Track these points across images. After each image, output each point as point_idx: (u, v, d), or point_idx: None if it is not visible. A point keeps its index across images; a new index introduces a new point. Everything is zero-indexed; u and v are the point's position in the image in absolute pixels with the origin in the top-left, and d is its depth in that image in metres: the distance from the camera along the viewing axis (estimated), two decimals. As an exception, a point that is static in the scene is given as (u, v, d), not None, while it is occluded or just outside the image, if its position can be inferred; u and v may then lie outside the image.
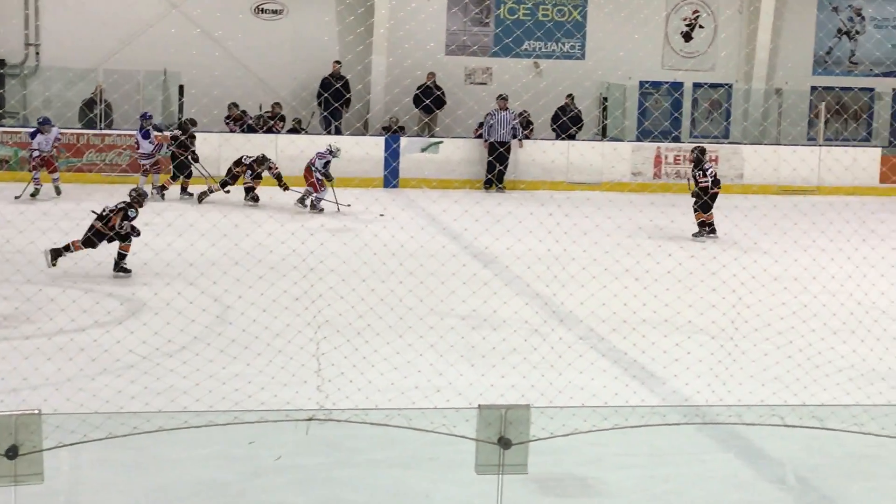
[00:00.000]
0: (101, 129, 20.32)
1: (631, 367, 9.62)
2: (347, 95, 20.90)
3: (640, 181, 21.58)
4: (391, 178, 20.36)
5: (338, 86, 20.67)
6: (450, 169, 21.03)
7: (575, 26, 23.69)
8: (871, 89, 24.43)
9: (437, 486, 5.94)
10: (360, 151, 18.95)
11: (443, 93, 21.98)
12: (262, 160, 18.07)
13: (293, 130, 21.24)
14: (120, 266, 12.52)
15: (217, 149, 19.50)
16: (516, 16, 23.56)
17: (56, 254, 12.31)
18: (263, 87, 22.22)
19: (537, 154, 21.01)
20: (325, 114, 21.74)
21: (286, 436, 5.76)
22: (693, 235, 16.01)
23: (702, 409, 7.27)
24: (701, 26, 24.45)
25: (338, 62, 21.94)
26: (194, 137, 18.56)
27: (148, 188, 18.29)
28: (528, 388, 8.52)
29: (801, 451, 6.38)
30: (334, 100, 20.46)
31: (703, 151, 16.66)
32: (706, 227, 16.09)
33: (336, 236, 12.73)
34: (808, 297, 11.28)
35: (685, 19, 24.42)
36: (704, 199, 15.90)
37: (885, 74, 24.07)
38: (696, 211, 16.13)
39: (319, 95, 21.47)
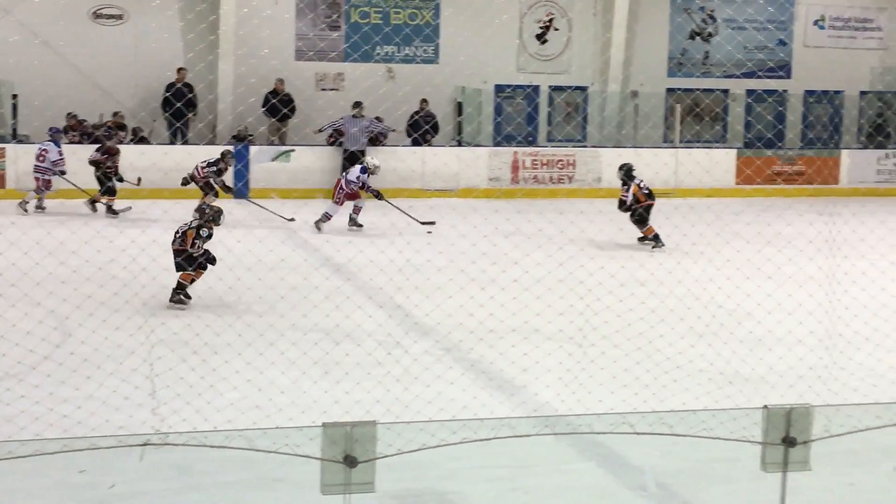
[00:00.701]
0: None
1: (479, 379, 9.47)
2: (180, 103, 20.09)
3: (497, 186, 21.49)
4: (241, 188, 19.79)
5: (168, 95, 20.18)
6: (303, 178, 20.62)
7: (425, 30, 23.50)
8: (726, 90, 24.84)
9: (285, 508, 5.77)
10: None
11: (291, 100, 21.57)
12: (227, 154, 17.37)
13: (134, 140, 20.49)
14: (177, 294, 11.39)
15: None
16: (368, 20, 23.27)
17: (178, 295, 11.40)
18: (104, 96, 21.44)
19: (392, 161, 20.71)
20: (160, 122, 21.14)
21: (122, 462, 5.52)
22: (651, 247, 15.55)
23: (552, 419, 7.17)
24: (556, 28, 24.49)
25: (183, 69, 21.35)
26: (118, 153, 17.78)
27: (32, 205, 17.48)
28: (374, 403, 8.32)
29: (661, 457, 6.36)
30: (180, 108, 19.86)
31: (628, 170, 16.14)
32: (651, 239, 15.60)
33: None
34: (656, 302, 11.31)
35: (539, 21, 24.44)
36: (636, 215, 15.64)
37: (735, 76, 24.53)
38: (636, 225, 15.78)
39: (164, 103, 20.85)
